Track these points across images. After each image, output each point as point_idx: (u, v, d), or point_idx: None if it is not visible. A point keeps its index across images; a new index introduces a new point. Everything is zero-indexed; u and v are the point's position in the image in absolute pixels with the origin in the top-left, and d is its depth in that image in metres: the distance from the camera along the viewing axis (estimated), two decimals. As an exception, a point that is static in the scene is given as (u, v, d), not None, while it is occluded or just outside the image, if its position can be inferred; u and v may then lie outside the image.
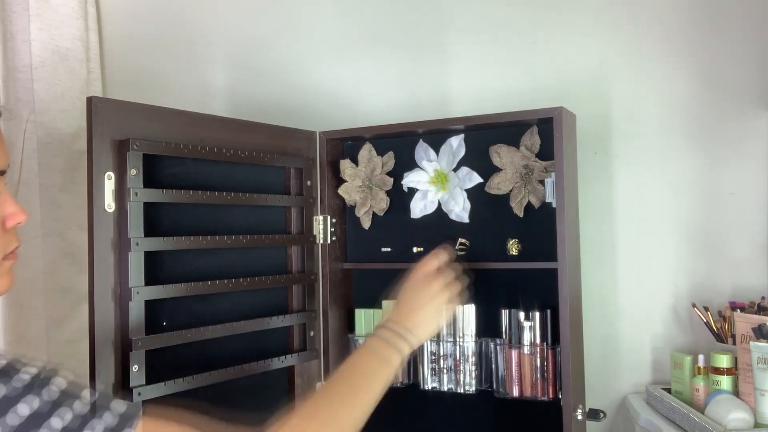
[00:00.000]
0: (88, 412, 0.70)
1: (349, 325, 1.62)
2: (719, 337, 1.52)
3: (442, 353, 1.53)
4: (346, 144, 1.64)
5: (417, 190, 1.55)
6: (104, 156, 1.14)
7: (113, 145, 1.15)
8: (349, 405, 0.96)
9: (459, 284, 1.16)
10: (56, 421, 0.67)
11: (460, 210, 1.52)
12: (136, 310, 1.15)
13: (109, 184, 1.14)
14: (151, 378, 1.17)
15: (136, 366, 1.14)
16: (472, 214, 1.51)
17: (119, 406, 0.73)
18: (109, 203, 1.14)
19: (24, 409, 0.66)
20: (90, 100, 1.13)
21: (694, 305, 1.59)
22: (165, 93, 1.96)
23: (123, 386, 1.14)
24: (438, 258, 1.16)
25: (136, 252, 1.16)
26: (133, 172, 1.16)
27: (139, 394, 1.14)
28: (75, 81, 1.79)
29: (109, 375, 1.13)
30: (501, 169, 1.48)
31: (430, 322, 1.11)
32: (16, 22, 1.74)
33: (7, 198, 0.83)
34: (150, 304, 1.19)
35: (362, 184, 1.59)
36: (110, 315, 1.14)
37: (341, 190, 1.59)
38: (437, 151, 1.54)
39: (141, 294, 1.16)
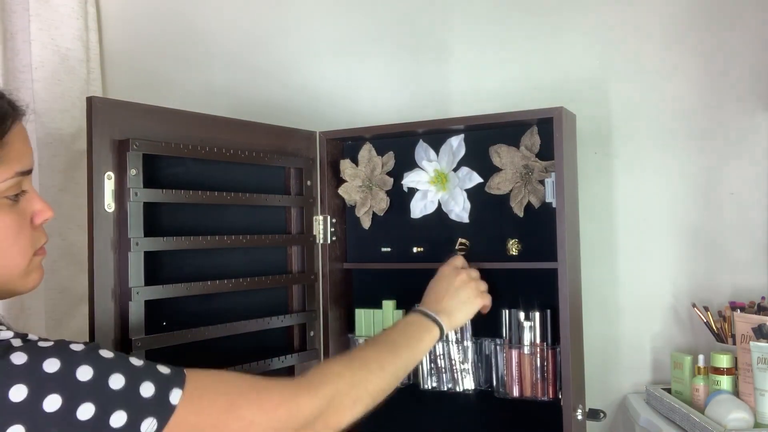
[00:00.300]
0: (138, 373, 0.75)
1: (349, 325, 1.62)
2: (719, 337, 1.52)
3: (441, 353, 1.53)
4: (346, 144, 1.64)
5: (417, 190, 1.55)
6: (104, 156, 1.14)
7: (113, 145, 1.15)
8: (391, 360, 1.04)
9: (484, 283, 1.28)
10: (114, 381, 0.73)
11: (460, 210, 1.52)
12: (136, 310, 1.15)
13: (109, 184, 1.14)
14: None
15: None
16: (472, 214, 1.51)
17: (165, 368, 0.79)
18: (109, 203, 1.14)
19: (85, 373, 0.71)
20: (90, 100, 1.13)
21: (694, 305, 1.59)
22: (165, 93, 1.96)
23: None
24: (462, 259, 1.31)
25: (136, 252, 1.16)
26: (133, 172, 1.16)
27: None
28: (75, 81, 1.79)
29: None
30: (501, 169, 1.48)
31: (458, 309, 1.22)
32: (16, 22, 1.74)
33: (35, 196, 0.89)
34: (150, 304, 1.19)
35: (362, 184, 1.59)
36: (110, 315, 1.14)
37: (341, 190, 1.59)
38: (437, 151, 1.54)
39: (141, 294, 1.16)
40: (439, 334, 1.15)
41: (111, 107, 1.17)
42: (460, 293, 1.23)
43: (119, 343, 1.14)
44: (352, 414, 0.94)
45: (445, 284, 1.24)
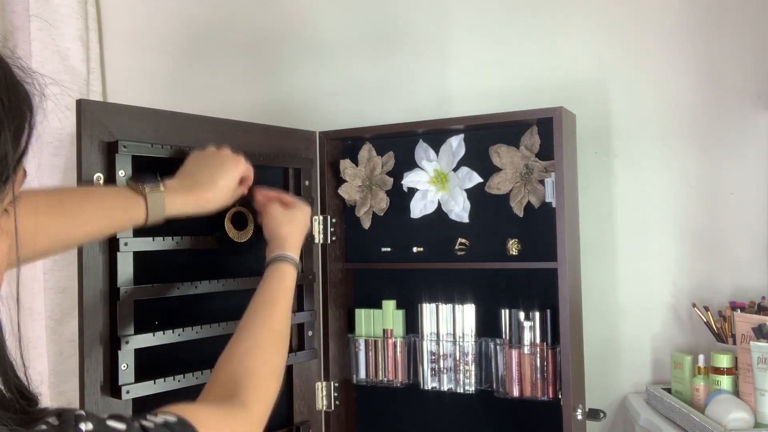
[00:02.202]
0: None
1: (349, 324, 1.62)
2: (719, 337, 1.52)
3: (442, 353, 1.53)
4: (346, 144, 1.64)
5: (417, 190, 1.55)
6: (93, 158, 1.14)
7: (102, 147, 1.15)
8: (278, 318, 1.05)
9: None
10: None
11: (460, 210, 1.52)
12: (125, 309, 1.16)
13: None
14: (141, 376, 1.17)
15: (125, 364, 1.15)
16: (472, 214, 1.51)
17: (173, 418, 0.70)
18: None
19: None
20: (79, 103, 1.14)
21: (694, 305, 1.59)
22: (165, 93, 1.96)
23: (112, 384, 1.14)
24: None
25: (125, 252, 1.16)
26: (122, 173, 1.16)
27: (128, 392, 1.15)
28: (75, 81, 1.80)
29: (98, 373, 1.13)
30: (501, 169, 1.48)
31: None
32: (16, 22, 1.74)
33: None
34: (143, 304, 1.19)
35: (362, 184, 1.59)
36: (99, 314, 1.14)
37: (341, 190, 1.59)
38: (437, 151, 1.54)
39: (130, 294, 1.16)
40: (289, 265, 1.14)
41: (100, 110, 1.17)
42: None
43: (108, 341, 1.15)
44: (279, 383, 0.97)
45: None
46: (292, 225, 1.20)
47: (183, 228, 1.28)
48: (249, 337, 0.99)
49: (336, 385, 1.56)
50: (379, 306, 1.58)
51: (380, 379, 1.57)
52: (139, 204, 1.01)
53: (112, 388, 1.15)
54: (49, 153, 1.72)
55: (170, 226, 1.25)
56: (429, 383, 1.54)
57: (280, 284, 1.10)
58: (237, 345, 0.98)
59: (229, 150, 1.18)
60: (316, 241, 1.55)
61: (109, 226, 1.02)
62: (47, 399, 1.74)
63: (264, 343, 0.99)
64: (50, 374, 1.73)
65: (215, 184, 1.10)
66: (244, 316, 1.05)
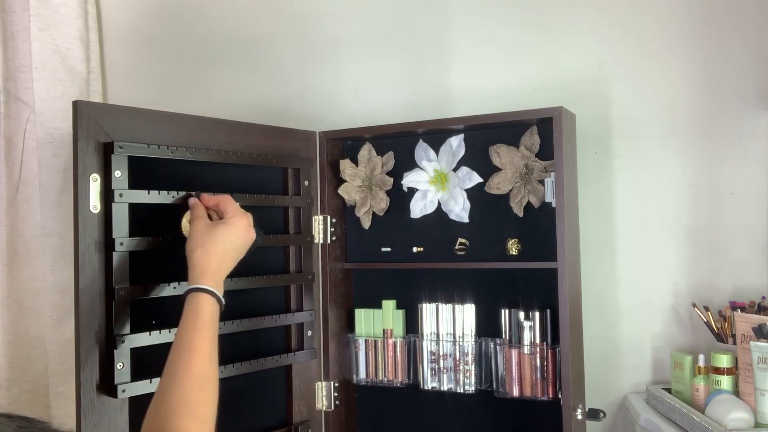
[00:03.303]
0: None
1: (349, 324, 1.62)
2: (719, 337, 1.52)
3: (442, 353, 1.53)
4: (346, 144, 1.64)
5: (417, 190, 1.55)
6: (89, 158, 1.14)
7: (98, 148, 1.16)
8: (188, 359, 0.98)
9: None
10: None
11: (459, 210, 1.52)
12: (121, 309, 1.16)
13: (95, 186, 1.15)
14: (137, 375, 1.18)
15: (120, 363, 1.15)
16: (472, 214, 1.51)
17: None
18: (95, 204, 1.15)
19: None
20: (75, 104, 1.14)
21: (694, 305, 1.59)
22: (165, 93, 1.96)
23: (108, 383, 1.14)
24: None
25: (120, 252, 1.16)
26: (118, 173, 1.16)
27: (124, 390, 1.15)
28: (75, 81, 1.80)
29: (94, 372, 1.14)
30: (501, 169, 1.48)
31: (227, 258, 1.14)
32: (16, 22, 1.74)
33: None
34: (140, 303, 1.19)
35: (362, 184, 1.59)
36: (95, 313, 1.14)
37: (341, 190, 1.59)
38: (437, 151, 1.54)
39: (125, 293, 1.16)
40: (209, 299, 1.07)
41: (96, 110, 1.17)
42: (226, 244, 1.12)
43: (104, 340, 1.15)
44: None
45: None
46: (207, 248, 1.10)
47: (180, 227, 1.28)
48: (172, 389, 0.94)
49: (336, 385, 1.56)
50: (379, 306, 1.58)
51: (380, 379, 1.57)
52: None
53: (108, 387, 1.15)
54: (49, 153, 1.72)
55: (168, 226, 1.25)
56: (429, 383, 1.54)
57: (195, 322, 1.02)
58: (161, 400, 0.93)
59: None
60: (316, 241, 1.55)
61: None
62: (47, 399, 1.74)
63: (189, 396, 0.93)
64: (50, 374, 1.73)
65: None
66: (166, 364, 0.99)
